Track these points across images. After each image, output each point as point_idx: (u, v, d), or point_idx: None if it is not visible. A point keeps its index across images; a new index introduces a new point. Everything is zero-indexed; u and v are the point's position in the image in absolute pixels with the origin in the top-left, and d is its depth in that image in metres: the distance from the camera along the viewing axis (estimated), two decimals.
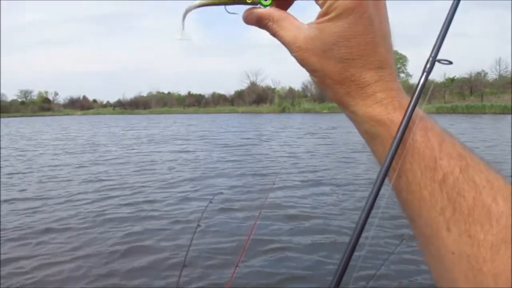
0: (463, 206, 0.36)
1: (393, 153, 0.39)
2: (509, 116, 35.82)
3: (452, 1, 0.41)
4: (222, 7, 0.46)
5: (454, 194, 0.37)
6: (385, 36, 0.42)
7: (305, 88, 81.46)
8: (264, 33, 0.45)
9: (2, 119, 64.27)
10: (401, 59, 71.01)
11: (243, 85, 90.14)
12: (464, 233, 0.36)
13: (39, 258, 5.38)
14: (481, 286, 0.35)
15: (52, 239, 6.13)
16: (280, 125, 34.53)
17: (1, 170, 12.78)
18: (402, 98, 0.41)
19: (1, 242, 5.98)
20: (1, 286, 4.58)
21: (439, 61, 0.41)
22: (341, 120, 34.96)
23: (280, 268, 4.93)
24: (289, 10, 0.46)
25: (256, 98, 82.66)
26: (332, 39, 0.40)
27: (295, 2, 0.47)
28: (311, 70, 0.43)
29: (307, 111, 67.29)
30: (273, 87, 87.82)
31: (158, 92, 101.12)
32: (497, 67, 69.84)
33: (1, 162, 14.65)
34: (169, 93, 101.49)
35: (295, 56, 0.43)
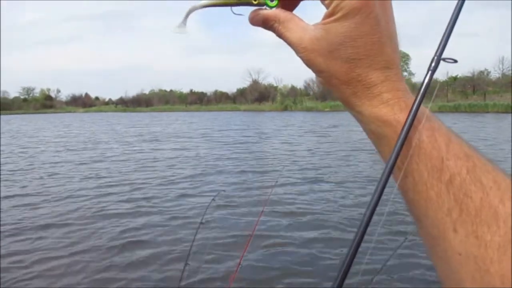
0: (470, 207, 0.36)
1: (397, 152, 0.39)
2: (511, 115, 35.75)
3: (457, 1, 0.41)
4: (228, 8, 0.46)
5: (461, 195, 0.37)
6: (391, 36, 0.42)
7: (307, 86, 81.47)
8: (266, 32, 0.45)
9: (4, 116, 64.44)
10: (404, 58, 70.75)
11: (245, 83, 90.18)
12: (471, 234, 0.36)
13: (38, 253, 5.43)
14: (488, 287, 0.35)
15: (52, 234, 6.18)
16: (282, 123, 34.53)
17: (3, 167, 12.85)
18: (409, 99, 0.41)
19: (2, 237, 6.03)
20: (2, 279, 4.61)
21: (444, 59, 0.41)
22: (343, 119, 35.05)
23: (281, 263, 4.98)
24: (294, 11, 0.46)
25: (258, 96, 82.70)
26: (338, 40, 0.40)
27: (301, 2, 0.47)
28: (317, 71, 0.43)
29: (309, 109, 67.21)
30: (275, 85, 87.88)
31: (160, 90, 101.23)
32: (500, 66, 69.73)
33: (4, 159, 14.73)
34: (171, 91, 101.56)
35: (301, 57, 0.43)
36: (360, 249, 0.39)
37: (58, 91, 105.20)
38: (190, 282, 4.33)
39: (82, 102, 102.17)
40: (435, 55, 0.41)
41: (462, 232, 0.36)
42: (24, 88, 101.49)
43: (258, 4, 0.44)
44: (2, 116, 61.52)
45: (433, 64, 0.41)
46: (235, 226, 6.30)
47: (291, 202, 7.67)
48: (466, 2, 0.41)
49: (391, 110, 0.40)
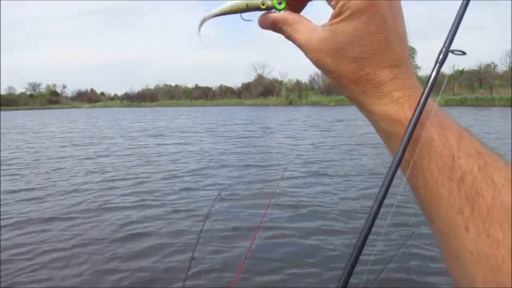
0: (482, 205, 0.36)
1: (404, 146, 0.39)
2: None
3: None
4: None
5: (473, 193, 0.37)
6: (400, 34, 0.42)
7: (312, 80, 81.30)
8: None
9: (10, 112, 64.86)
10: (410, 51, 70.31)
11: (250, 77, 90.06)
12: (483, 232, 0.36)
13: (43, 245, 5.51)
14: (500, 286, 0.35)
15: (56, 226, 6.27)
16: (287, 118, 34.52)
17: (10, 162, 13.00)
18: (419, 96, 0.41)
19: (8, 229, 6.13)
20: (7, 271, 4.69)
21: (452, 51, 0.40)
22: (348, 113, 34.94)
23: (285, 254, 5.05)
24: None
25: (263, 90, 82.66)
26: (345, 39, 0.40)
27: (308, 3, 0.48)
28: (326, 71, 0.43)
29: (314, 103, 67.13)
30: (280, 79, 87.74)
31: (165, 85, 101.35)
32: (507, 59, 69.18)
33: (10, 154, 14.90)
34: (176, 85, 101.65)
35: (309, 58, 0.44)
36: (367, 240, 0.38)
37: (64, 86, 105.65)
38: (197, 272, 4.36)
39: (88, 98, 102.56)
40: (443, 47, 0.41)
41: (474, 230, 0.36)
42: (30, 84, 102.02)
43: (267, 8, 0.45)
44: (8, 112, 61.88)
45: (441, 57, 0.40)
46: (240, 218, 6.35)
47: (295, 195, 7.71)
48: None
49: (401, 108, 0.40)
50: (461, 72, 68.75)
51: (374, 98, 0.41)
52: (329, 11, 0.42)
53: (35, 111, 70.12)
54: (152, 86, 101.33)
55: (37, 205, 7.55)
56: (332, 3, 0.41)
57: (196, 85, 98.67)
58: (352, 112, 39.02)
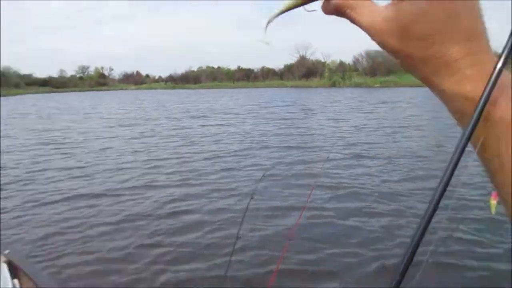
0: None
1: (473, 125, 0.36)
2: None
3: None
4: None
5: None
6: (469, 5, 0.38)
7: (356, 61, 79.21)
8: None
9: (61, 94, 67.85)
10: None
11: (292, 59, 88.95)
12: None
13: (92, 219, 5.82)
14: None
15: (104, 202, 6.59)
16: (329, 99, 33.97)
17: (62, 141, 13.65)
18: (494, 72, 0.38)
19: (60, 204, 6.52)
20: (59, 243, 5.00)
21: None
22: (393, 95, 33.89)
23: (326, 234, 5.09)
24: None
25: (305, 72, 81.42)
26: (410, 17, 0.38)
27: None
28: (393, 52, 0.41)
29: (358, 85, 65.48)
30: (323, 61, 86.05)
31: (208, 67, 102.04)
32: None
33: (62, 134, 15.64)
34: (218, 67, 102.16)
35: (375, 40, 0.42)
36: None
37: (111, 69, 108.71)
38: (240, 248, 4.42)
39: (134, 80, 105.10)
40: None
41: None
42: (79, 67, 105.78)
43: None
44: (60, 94, 64.81)
45: None
46: (281, 199, 6.39)
47: (336, 176, 7.67)
48: None
49: (475, 87, 0.37)
50: None
51: (445, 76, 0.39)
52: None
53: (84, 93, 72.84)
54: (195, 69, 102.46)
55: (87, 182, 7.93)
56: None
57: (238, 67, 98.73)
58: (397, 94, 37.77)
